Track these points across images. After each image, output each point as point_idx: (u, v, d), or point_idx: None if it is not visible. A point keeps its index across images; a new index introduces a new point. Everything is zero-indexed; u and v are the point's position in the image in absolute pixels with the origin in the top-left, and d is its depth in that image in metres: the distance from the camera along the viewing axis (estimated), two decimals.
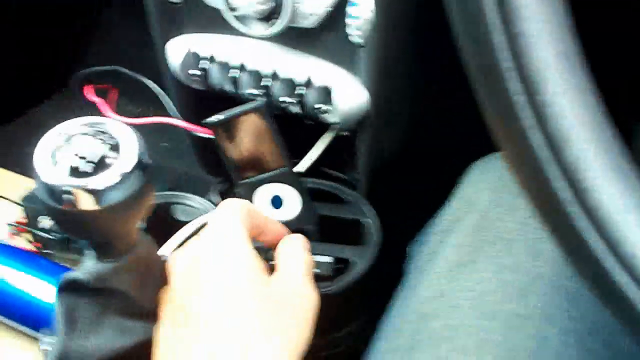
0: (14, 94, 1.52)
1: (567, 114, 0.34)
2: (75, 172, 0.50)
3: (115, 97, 1.06)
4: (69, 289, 0.55)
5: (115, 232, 0.54)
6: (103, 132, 0.52)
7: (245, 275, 0.55)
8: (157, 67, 0.98)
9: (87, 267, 0.55)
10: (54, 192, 0.50)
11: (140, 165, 0.51)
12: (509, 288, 0.62)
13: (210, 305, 0.54)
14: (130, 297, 0.56)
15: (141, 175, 0.51)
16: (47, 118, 1.53)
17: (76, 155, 0.50)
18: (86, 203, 0.50)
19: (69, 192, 0.49)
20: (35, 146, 0.52)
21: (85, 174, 0.50)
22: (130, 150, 0.51)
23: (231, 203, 0.60)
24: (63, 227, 0.54)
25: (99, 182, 0.49)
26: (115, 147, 0.51)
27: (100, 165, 0.50)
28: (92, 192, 0.49)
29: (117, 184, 0.50)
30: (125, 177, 0.50)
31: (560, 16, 0.35)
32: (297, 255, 0.62)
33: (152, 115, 0.93)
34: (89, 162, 0.50)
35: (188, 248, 0.60)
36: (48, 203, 0.50)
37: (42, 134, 0.53)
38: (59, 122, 0.54)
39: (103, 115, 0.98)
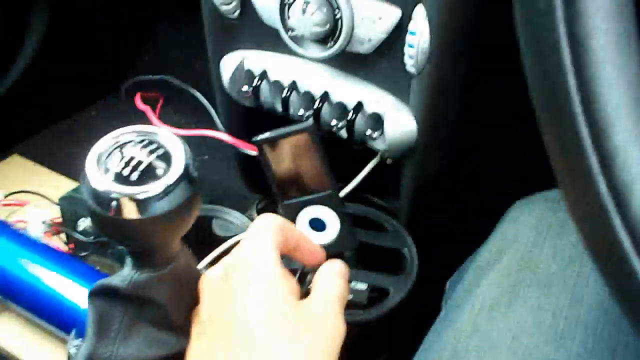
0: (62, 97, 1.54)
1: (634, 163, 0.33)
2: (122, 179, 0.50)
3: (159, 106, 1.07)
4: (103, 294, 0.55)
5: (156, 243, 0.53)
6: (152, 142, 0.52)
7: (272, 297, 0.53)
8: (205, 80, 0.99)
9: (124, 274, 0.55)
10: (100, 198, 0.49)
11: (186, 177, 0.51)
12: (547, 332, 0.61)
13: (232, 327, 0.53)
14: (165, 309, 0.55)
15: (187, 188, 0.51)
16: (92, 122, 1.56)
17: (125, 163, 0.50)
18: (130, 211, 0.49)
19: (114, 199, 0.49)
20: (79, 149, 0.52)
21: (132, 183, 0.49)
22: (178, 161, 0.51)
23: (264, 220, 0.58)
24: (105, 233, 0.54)
25: (144, 191, 0.49)
26: (163, 157, 0.51)
27: (148, 174, 0.50)
28: (137, 201, 0.49)
29: (162, 194, 0.50)
30: (171, 188, 0.50)
31: (633, 61, 0.34)
32: (333, 282, 0.60)
33: (196, 127, 0.93)
34: (136, 170, 0.50)
35: (219, 267, 0.59)
36: (93, 208, 0.50)
37: (86, 137, 0.53)
38: (104, 127, 0.54)
39: (151, 124, 0.98)
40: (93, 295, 0.55)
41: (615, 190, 0.35)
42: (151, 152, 0.51)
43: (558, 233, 0.68)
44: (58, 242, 1.18)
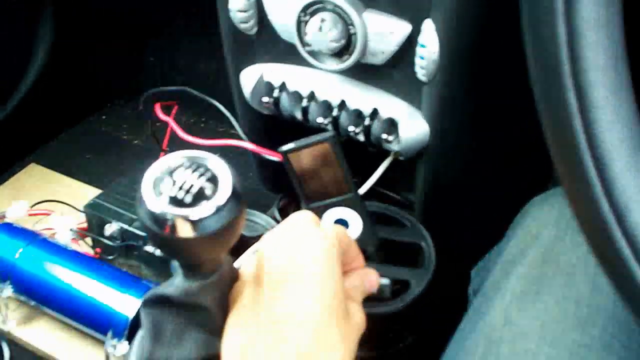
0: (73, 103, 1.58)
1: (631, 188, 0.42)
2: (176, 202, 0.55)
3: (174, 113, 1.11)
4: (156, 302, 0.60)
5: (208, 256, 0.58)
6: (200, 165, 0.57)
7: (330, 305, 0.58)
8: (220, 89, 1.04)
9: (176, 283, 0.60)
10: (157, 219, 0.54)
11: (234, 197, 0.56)
12: (572, 318, 0.68)
13: (289, 306, 0.57)
14: (212, 313, 0.60)
15: (236, 205, 0.56)
16: (103, 127, 1.60)
17: (178, 187, 0.55)
18: (185, 231, 0.54)
19: (170, 220, 0.54)
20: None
21: (186, 205, 0.54)
22: (226, 182, 0.56)
23: (332, 230, 0.63)
24: (162, 249, 0.59)
25: (197, 212, 0.54)
26: (211, 180, 0.56)
27: (199, 196, 0.55)
28: (191, 221, 0.54)
29: (213, 214, 0.55)
30: (222, 207, 0.55)
31: (629, 103, 0.43)
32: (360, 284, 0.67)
33: (212, 133, 0.97)
34: (189, 193, 0.55)
35: (282, 254, 0.61)
36: (151, 228, 0.55)
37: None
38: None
39: (176, 135, 1.03)
40: (147, 303, 0.60)
41: (616, 209, 0.43)
42: (200, 175, 0.56)
43: (577, 228, 0.74)
44: (85, 247, 1.22)
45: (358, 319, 0.62)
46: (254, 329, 0.58)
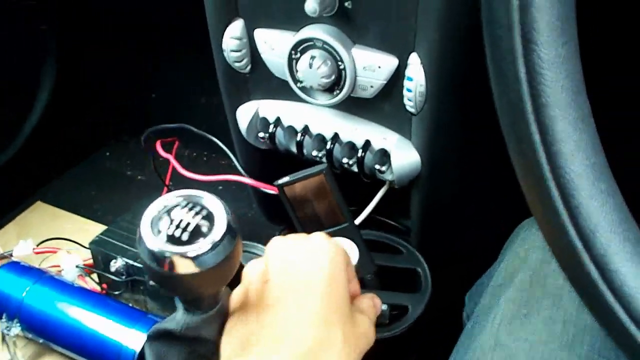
0: (76, 143, 1.61)
1: (594, 213, 0.45)
2: (174, 240, 0.57)
3: (175, 149, 1.14)
4: (159, 337, 0.62)
5: (206, 291, 0.61)
6: (196, 204, 0.59)
7: (340, 286, 0.61)
8: (217, 124, 1.06)
9: (178, 318, 0.62)
10: (156, 257, 0.57)
11: (229, 233, 0.58)
12: (559, 339, 0.70)
13: (298, 300, 0.60)
14: (214, 344, 0.62)
15: (231, 241, 0.58)
16: (107, 164, 1.62)
17: (175, 225, 0.57)
18: (183, 267, 0.56)
19: (169, 258, 0.56)
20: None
21: (183, 242, 0.57)
22: (221, 219, 0.58)
23: (337, 246, 0.65)
24: (161, 286, 0.61)
25: (194, 249, 0.56)
26: (207, 217, 0.58)
27: (196, 233, 0.57)
28: (189, 258, 0.56)
29: (210, 250, 0.57)
30: (217, 244, 0.57)
31: (589, 134, 0.46)
32: (372, 307, 0.69)
33: (212, 168, 0.99)
34: (186, 231, 0.57)
35: (290, 255, 0.64)
36: (150, 265, 0.57)
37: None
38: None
39: (177, 172, 1.05)
40: (151, 338, 0.62)
41: (582, 235, 0.46)
42: (196, 213, 0.58)
43: None
44: (91, 283, 1.24)
45: (365, 329, 0.63)
46: (258, 323, 0.60)
